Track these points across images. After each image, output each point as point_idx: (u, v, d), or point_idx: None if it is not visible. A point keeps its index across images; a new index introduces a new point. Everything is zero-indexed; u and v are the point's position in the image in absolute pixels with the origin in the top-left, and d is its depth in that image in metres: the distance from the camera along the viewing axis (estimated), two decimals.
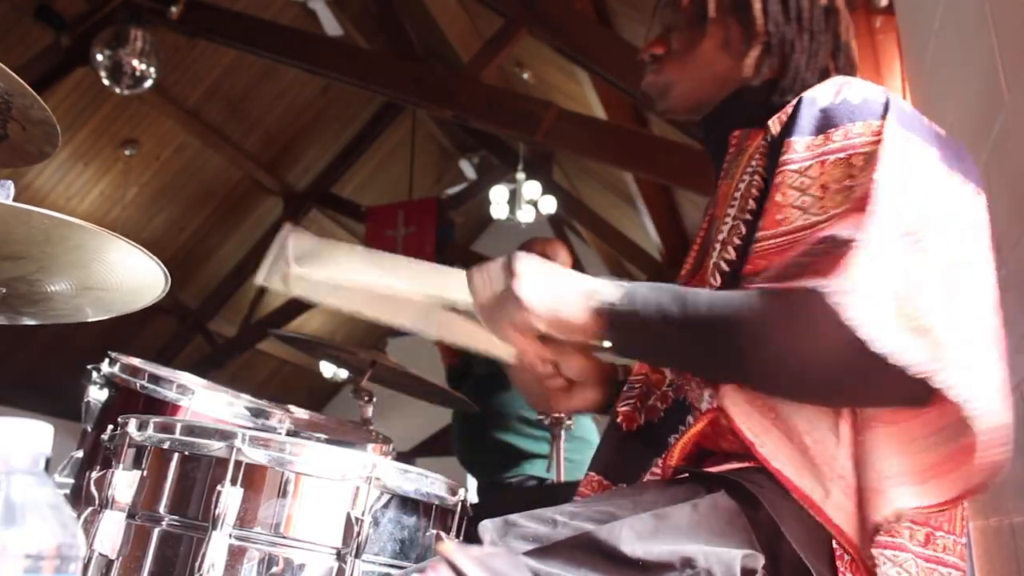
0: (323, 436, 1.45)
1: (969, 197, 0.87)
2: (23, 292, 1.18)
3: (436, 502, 1.03)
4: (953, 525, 0.88)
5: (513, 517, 0.84)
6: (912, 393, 0.76)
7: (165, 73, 5.63)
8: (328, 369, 9.15)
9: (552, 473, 2.47)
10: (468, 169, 8.27)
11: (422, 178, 8.21)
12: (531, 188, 6.96)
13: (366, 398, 2.14)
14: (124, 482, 0.97)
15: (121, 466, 0.99)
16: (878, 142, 0.84)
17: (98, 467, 1.08)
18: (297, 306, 8.38)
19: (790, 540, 0.81)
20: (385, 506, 0.97)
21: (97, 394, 1.36)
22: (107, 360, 1.39)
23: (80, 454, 1.34)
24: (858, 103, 0.88)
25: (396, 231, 7.32)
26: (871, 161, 0.83)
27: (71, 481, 1.32)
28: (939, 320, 0.76)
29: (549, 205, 7.05)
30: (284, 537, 0.93)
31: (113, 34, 5.16)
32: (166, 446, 0.98)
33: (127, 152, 6.67)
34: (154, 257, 1.11)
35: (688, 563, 0.78)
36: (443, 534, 1.02)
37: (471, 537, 0.86)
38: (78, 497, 1.14)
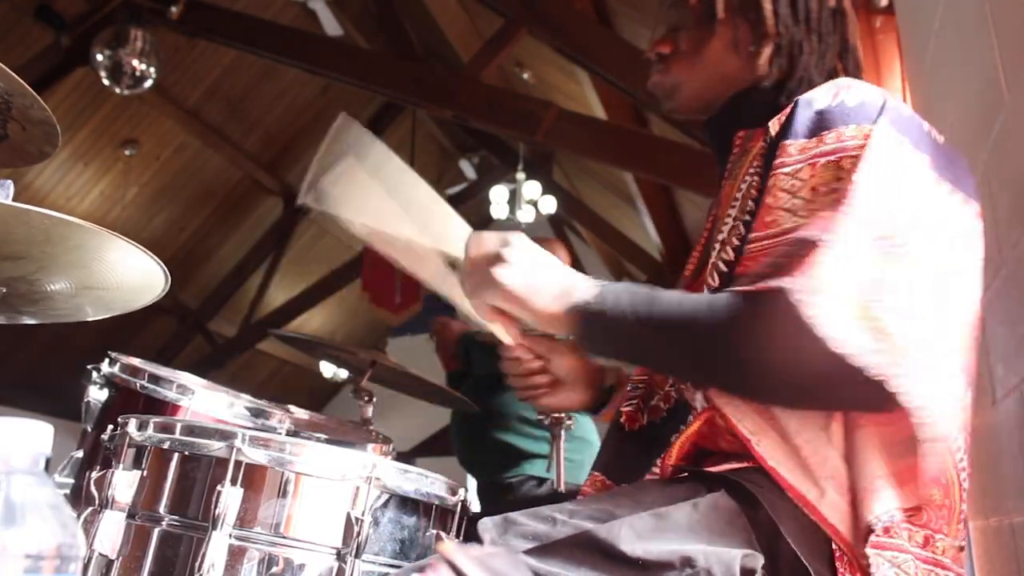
0: (323, 436, 1.45)
1: (957, 206, 0.86)
2: (23, 292, 1.18)
3: (436, 502, 1.03)
4: (951, 528, 0.88)
5: (513, 515, 0.84)
6: (874, 396, 0.75)
7: (165, 73, 5.63)
8: (328, 369, 9.16)
9: (552, 473, 2.46)
10: (468, 169, 8.28)
11: (422, 178, 8.21)
12: (531, 188, 6.96)
13: (366, 398, 2.14)
14: (124, 482, 0.97)
15: (121, 466, 0.99)
16: (867, 145, 0.84)
17: (98, 467, 1.08)
18: (297, 306, 8.39)
19: (789, 540, 0.81)
20: (385, 506, 0.97)
21: (97, 394, 1.36)
22: (107, 360, 1.39)
23: (80, 454, 1.34)
24: (854, 106, 0.87)
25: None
26: (857, 164, 0.84)
27: (71, 481, 1.32)
28: (903, 325, 0.76)
29: (549, 205, 7.04)
30: (284, 537, 0.93)
31: (113, 34, 5.16)
32: (166, 446, 0.98)
33: (127, 152, 6.67)
34: (154, 257, 1.11)
35: (688, 562, 0.78)
36: (443, 534, 1.02)
37: (471, 537, 0.86)
38: (78, 497, 1.14)
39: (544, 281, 0.93)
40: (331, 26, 5.75)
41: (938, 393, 0.76)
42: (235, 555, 0.91)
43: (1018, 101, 1.13)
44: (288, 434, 1.38)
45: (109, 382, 1.37)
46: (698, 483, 0.87)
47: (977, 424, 0.96)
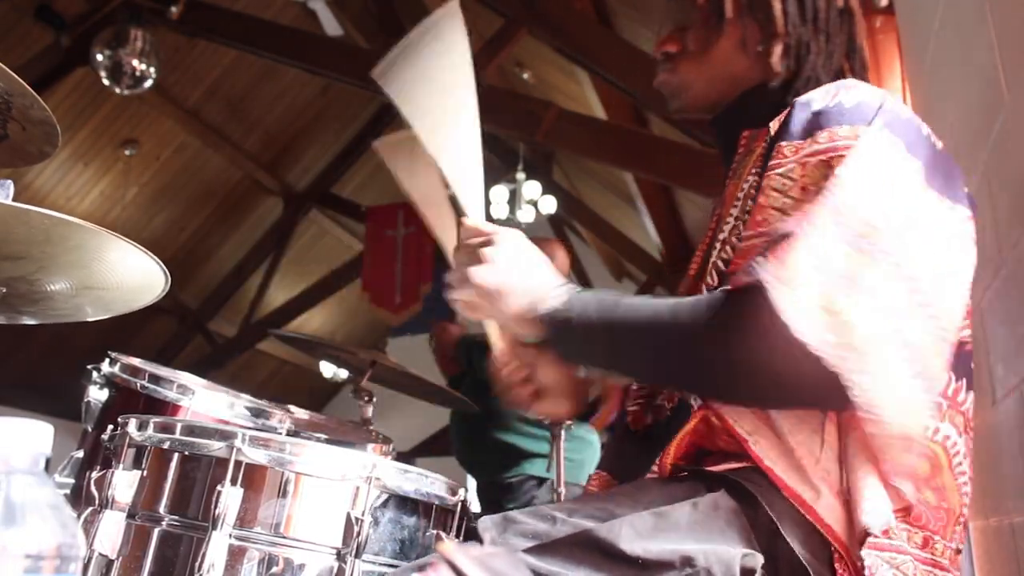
0: (323, 436, 1.45)
1: (944, 212, 0.85)
2: (23, 292, 1.18)
3: (436, 502, 1.03)
4: (948, 531, 0.88)
5: (512, 514, 0.84)
6: (836, 391, 0.75)
7: (165, 73, 5.63)
8: (328, 369, 9.16)
9: (552, 473, 2.47)
10: None
11: None
12: (531, 188, 6.96)
13: (366, 398, 2.14)
14: (124, 482, 0.97)
15: (121, 466, 0.99)
16: (857, 144, 0.84)
17: (98, 467, 1.08)
18: (297, 306, 8.40)
19: (788, 540, 0.81)
20: (385, 506, 0.97)
21: (97, 394, 1.36)
22: (107, 360, 1.39)
23: (80, 454, 1.34)
24: (850, 107, 0.87)
25: (396, 231, 7.32)
26: (844, 161, 0.84)
27: (71, 481, 1.32)
28: (868, 321, 0.75)
29: (549, 205, 7.04)
30: (284, 537, 0.93)
31: (113, 34, 5.17)
32: (166, 446, 0.98)
33: (127, 152, 6.68)
34: (154, 257, 1.11)
35: (688, 562, 0.78)
36: (443, 534, 1.02)
37: (471, 536, 0.86)
38: (78, 497, 1.14)
39: (517, 284, 0.93)
40: (331, 26, 5.75)
41: (899, 392, 0.75)
42: (235, 555, 0.91)
43: (1018, 101, 1.13)
44: (288, 434, 1.38)
45: (109, 382, 1.37)
46: (698, 482, 0.87)
47: (977, 424, 0.96)
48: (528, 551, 0.79)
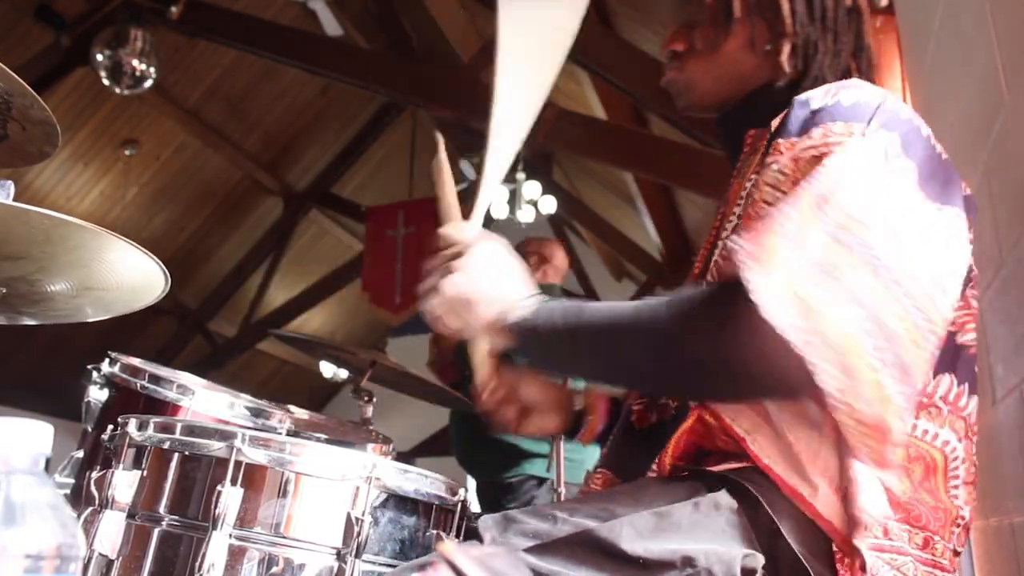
0: (323, 436, 1.45)
1: (931, 213, 0.84)
2: (23, 292, 1.18)
3: (436, 502, 1.03)
4: (946, 531, 0.88)
5: (513, 513, 0.84)
6: (803, 376, 0.74)
7: (165, 73, 5.63)
8: (328, 369, 9.16)
9: (552, 473, 2.47)
10: (468, 169, 8.27)
11: (422, 178, 8.21)
12: (531, 188, 6.96)
13: (366, 398, 2.14)
14: (124, 482, 0.97)
15: (121, 466, 0.99)
16: (849, 140, 0.84)
17: (98, 467, 1.07)
18: (297, 306, 8.40)
19: (789, 540, 0.81)
20: (385, 506, 0.97)
21: (97, 394, 1.36)
22: (107, 360, 1.39)
23: (80, 454, 1.34)
24: (848, 105, 0.87)
25: (396, 231, 7.32)
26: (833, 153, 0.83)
27: (71, 481, 1.32)
28: (836, 309, 0.75)
29: (549, 205, 7.04)
30: (284, 537, 0.93)
31: (113, 34, 5.17)
32: (166, 446, 0.98)
33: (127, 152, 6.68)
34: (154, 257, 1.11)
35: (688, 562, 0.78)
36: (443, 534, 1.02)
37: (471, 536, 0.86)
38: (78, 497, 1.14)
39: (487, 293, 0.94)
40: (331, 26, 5.75)
41: (869, 379, 0.74)
42: (235, 555, 0.91)
43: (1018, 101, 1.13)
44: (288, 434, 1.38)
45: (109, 382, 1.37)
46: (699, 482, 0.87)
47: (977, 424, 0.96)
48: (529, 550, 0.79)
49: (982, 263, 1.03)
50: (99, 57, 5.15)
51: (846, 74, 1.04)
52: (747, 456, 0.85)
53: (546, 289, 3.56)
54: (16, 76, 1.09)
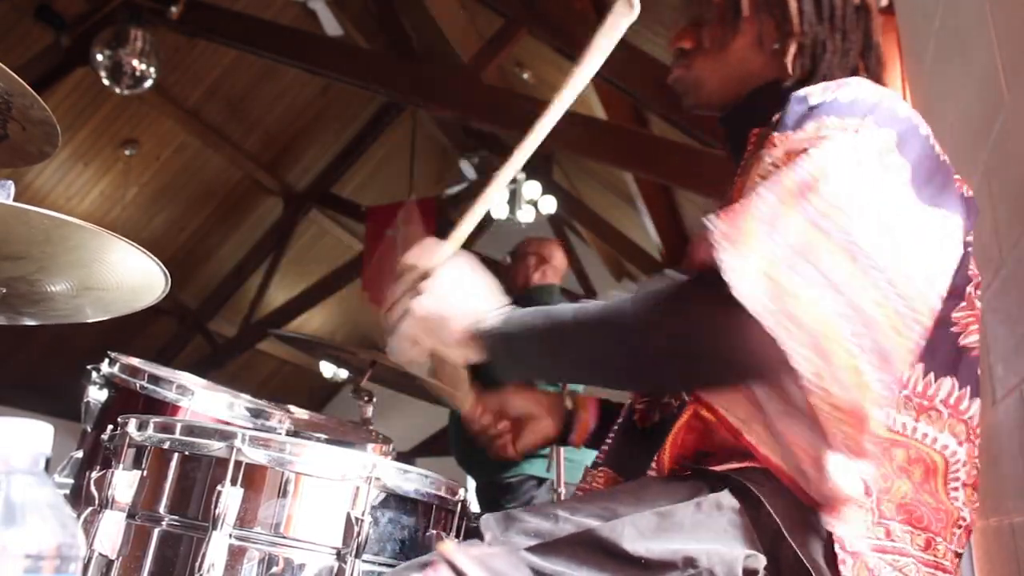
0: (323, 436, 1.45)
1: (918, 211, 0.84)
2: (23, 292, 1.18)
3: (436, 502, 1.03)
4: (947, 532, 0.88)
5: (515, 511, 0.84)
6: (780, 360, 0.74)
7: (165, 73, 5.63)
8: (328, 369, 9.16)
9: (552, 473, 2.47)
10: (468, 169, 8.27)
11: (422, 178, 8.22)
12: (531, 188, 6.97)
13: (366, 398, 2.14)
14: (124, 482, 0.97)
15: (121, 466, 0.99)
16: (840, 133, 0.84)
17: (98, 467, 1.07)
18: (297, 306, 8.40)
19: (791, 542, 0.81)
20: (385, 506, 0.97)
21: (97, 394, 1.36)
22: (107, 360, 1.39)
23: (80, 454, 1.34)
24: (845, 102, 0.87)
25: (396, 231, 7.31)
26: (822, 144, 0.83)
27: (71, 481, 1.32)
28: (810, 293, 0.74)
29: (549, 205, 7.05)
30: (284, 537, 0.93)
31: (113, 34, 5.17)
32: (166, 446, 0.98)
33: (127, 152, 6.68)
34: (154, 257, 1.11)
35: (690, 563, 0.78)
36: (443, 534, 1.02)
37: (472, 535, 0.86)
38: (78, 497, 1.14)
39: (457, 309, 0.95)
40: (331, 26, 5.75)
41: (844, 363, 0.74)
42: (235, 555, 0.91)
43: (1018, 101, 1.13)
44: (288, 434, 1.38)
45: (109, 382, 1.37)
46: (701, 482, 0.87)
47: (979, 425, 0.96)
48: (530, 549, 0.79)
49: (982, 263, 1.03)
50: (99, 57, 5.15)
51: (854, 73, 1.03)
52: (747, 453, 0.85)
53: (545, 289, 3.55)
54: (16, 76, 1.09)
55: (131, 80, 5.14)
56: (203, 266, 8.04)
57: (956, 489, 0.90)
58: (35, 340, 7.03)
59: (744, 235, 0.76)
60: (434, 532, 1.01)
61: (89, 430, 1.35)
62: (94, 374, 1.37)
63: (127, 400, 1.35)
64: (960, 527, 0.90)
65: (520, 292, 3.19)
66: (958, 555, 0.90)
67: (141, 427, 1.01)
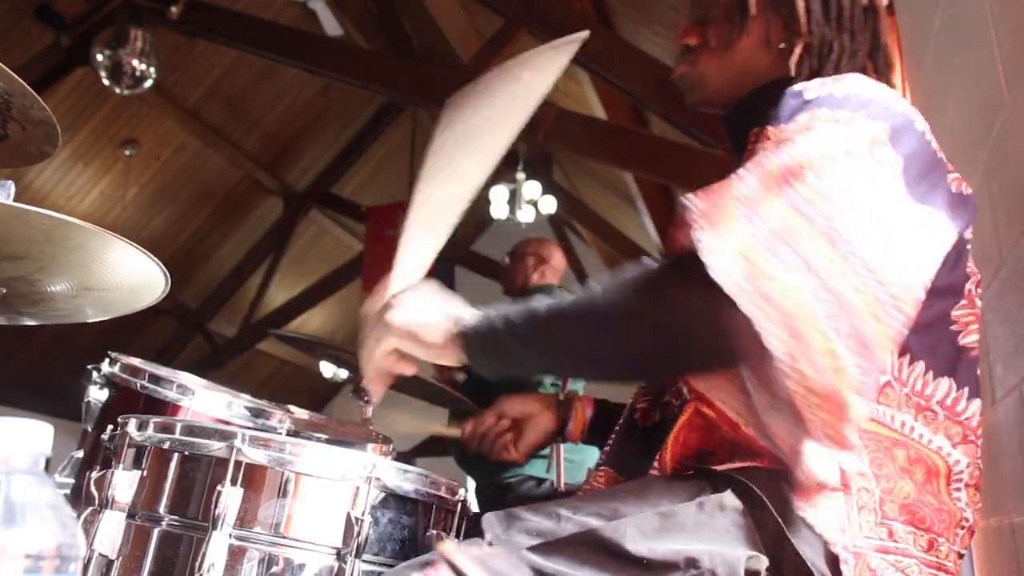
0: (323, 436, 1.45)
1: (908, 204, 0.84)
2: (23, 292, 1.18)
3: (436, 502, 1.03)
4: (951, 533, 0.88)
5: (517, 510, 0.84)
6: (756, 341, 0.74)
7: (165, 73, 5.63)
8: (328, 369, 9.16)
9: (552, 473, 2.46)
10: None
11: None
12: (531, 188, 6.96)
13: (366, 398, 2.14)
14: (124, 482, 0.97)
15: (121, 466, 0.99)
16: (830, 123, 0.83)
17: (98, 467, 1.07)
18: (297, 306, 8.40)
19: (794, 543, 0.81)
20: (385, 506, 0.97)
21: (97, 394, 1.36)
22: (107, 360, 1.39)
23: (80, 454, 1.34)
24: (840, 96, 0.86)
25: (396, 231, 7.31)
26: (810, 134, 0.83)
27: (71, 481, 1.32)
28: (786, 275, 0.74)
29: (549, 205, 7.04)
30: (284, 537, 0.93)
31: (113, 34, 5.17)
32: (166, 446, 0.98)
33: (127, 152, 6.68)
34: (154, 258, 1.11)
35: (692, 563, 0.78)
36: (443, 534, 1.02)
37: (473, 534, 0.86)
38: (78, 497, 1.14)
39: (432, 315, 0.94)
40: (331, 26, 5.75)
41: (820, 347, 0.73)
42: (235, 555, 0.91)
43: (1018, 101, 1.13)
44: (288, 434, 1.38)
45: (109, 382, 1.37)
46: (704, 481, 0.87)
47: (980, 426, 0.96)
48: (532, 549, 0.79)
49: (982, 263, 1.03)
50: (99, 57, 5.15)
51: (863, 73, 1.03)
52: (750, 451, 0.85)
53: (544, 289, 3.55)
54: (16, 76, 1.09)
55: (131, 80, 5.14)
56: (203, 266, 8.04)
57: (959, 490, 0.90)
58: (35, 340, 7.03)
59: (723, 215, 0.76)
60: (434, 532, 1.01)
61: (89, 430, 1.35)
62: (94, 374, 1.37)
63: (127, 400, 1.35)
64: (963, 528, 0.90)
65: (519, 292, 3.19)
66: (960, 555, 0.90)
67: (141, 427, 1.01)
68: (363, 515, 0.94)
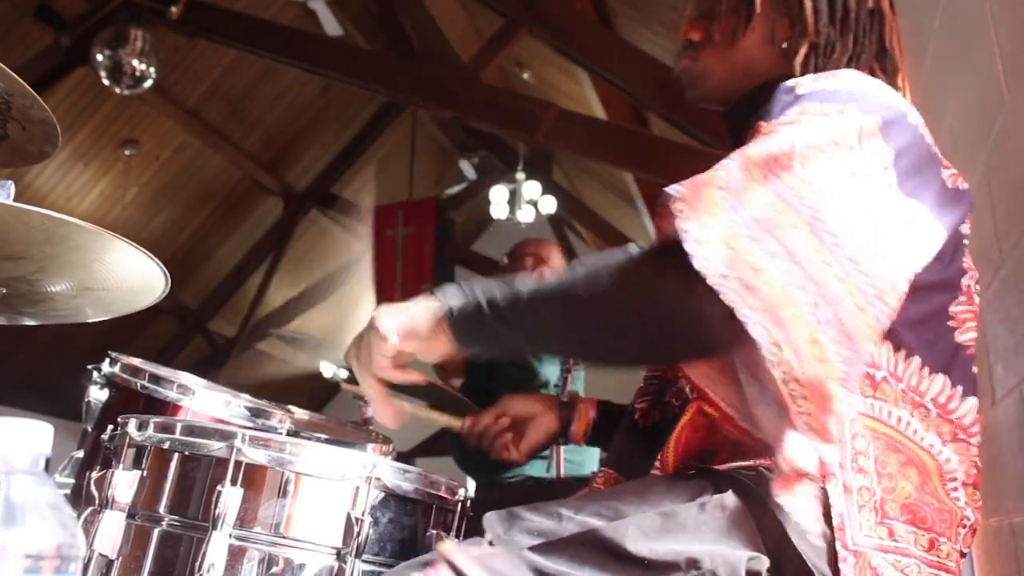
0: (323, 436, 1.45)
1: (897, 198, 0.83)
2: (23, 292, 1.18)
3: (436, 502, 1.03)
4: (952, 532, 0.88)
5: (518, 510, 0.84)
6: (739, 330, 0.73)
7: (165, 73, 5.63)
8: (328, 369, 9.17)
9: (552, 474, 2.46)
10: (468, 169, 8.28)
11: (422, 178, 8.22)
12: (531, 188, 6.96)
13: (366, 398, 2.14)
14: (124, 482, 0.97)
15: (121, 466, 0.99)
16: (819, 115, 0.83)
17: (98, 467, 1.07)
18: (297, 306, 8.40)
19: (795, 543, 0.81)
20: (385, 506, 0.97)
21: (97, 394, 1.36)
22: (107, 360, 1.39)
23: (80, 454, 1.34)
24: (832, 90, 0.86)
25: (396, 231, 7.32)
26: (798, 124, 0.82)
27: (71, 481, 1.32)
28: (767, 263, 0.74)
29: (549, 205, 7.05)
30: (284, 537, 0.93)
31: (113, 34, 5.17)
32: (166, 446, 0.98)
33: (127, 152, 6.68)
34: (154, 258, 1.11)
35: (693, 564, 0.78)
36: (443, 534, 1.02)
37: (472, 533, 0.86)
38: (78, 497, 1.14)
39: (415, 308, 0.93)
40: (331, 26, 5.75)
41: (802, 335, 0.73)
42: (235, 555, 0.91)
43: (1018, 101, 1.13)
44: (288, 434, 1.38)
45: (109, 382, 1.37)
46: (705, 481, 0.87)
47: (978, 424, 0.96)
48: (532, 549, 0.79)
49: (982, 263, 1.03)
50: (99, 57, 5.15)
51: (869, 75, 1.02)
52: (753, 450, 0.85)
53: None
54: (16, 76, 1.09)
55: (131, 80, 5.14)
56: (203, 266, 8.04)
57: (955, 489, 0.90)
58: (35, 340, 7.02)
59: (706, 204, 0.76)
60: (434, 532, 1.01)
61: (89, 430, 1.35)
62: (94, 374, 1.37)
63: (127, 400, 1.35)
64: (964, 527, 0.89)
65: None
66: (963, 555, 0.90)
67: (141, 427, 1.01)
68: (363, 515, 0.94)
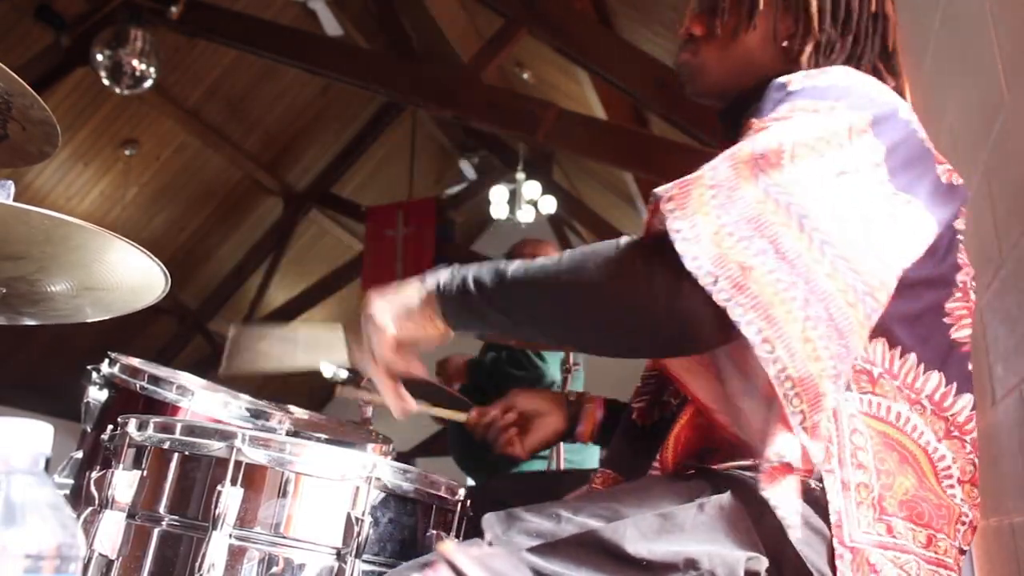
0: (323, 436, 1.45)
1: (886, 194, 0.83)
2: (23, 292, 1.18)
3: (436, 502, 1.03)
4: (951, 528, 0.88)
5: (517, 510, 0.84)
6: (728, 326, 0.74)
7: (165, 73, 5.63)
8: (328, 369, 9.15)
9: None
10: (468, 169, 8.27)
11: (422, 178, 8.21)
12: (531, 188, 6.96)
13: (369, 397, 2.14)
14: (124, 482, 0.97)
15: (121, 466, 0.99)
16: (810, 111, 0.83)
17: (98, 467, 1.07)
18: (297, 306, 8.39)
19: (794, 543, 0.81)
20: (385, 506, 0.97)
21: (97, 394, 1.36)
22: (107, 360, 1.39)
23: (80, 454, 1.34)
24: (823, 87, 0.86)
25: (396, 231, 7.32)
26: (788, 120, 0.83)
27: (71, 481, 1.32)
28: (756, 261, 0.74)
29: (549, 205, 7.05)
30: (284, 537, 0.93)
31: (113, 34, 5.17)
32: (166, 446, 0.98)
33: (127, 152, 6.67)
34: (154, 258, 1.11)
35: (692, 564, 0.78)
36: (443, 534, 1.02)
37: (473, 534, 0.86)
38: (78, 497, 1.14)
39: (408, 292, 0.94)
40: (331, 26, 5.75)
41: (793, 332, 0.73)
42: (235, 555, 0.91)
43: (1018, 101, 1.13)
44: (288, 434, 1.38)
45: (109, 382, 1.37)
46: (704, 481, 0.87)
47: (977, 424, 0.96)
48: (531, 550, 0.79)
49: (982, 263, 1.03)
50: (99, 57, 5.15)
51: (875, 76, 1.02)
52: (752, 449, 0.85)
53: None
54: (16, 76, 1.09)
55: (131, 80, 5.14)
56: (203, 266, 8.04)
57: (952, 486, 0.90)
58: (35, 340, 7.02)
59: (695, 203, 0.76)
60: (434, 532, 1.01)
61: (89, 430, 1.35)
62: (94, 374, 1.37)
63: (127, 400, 1.35)
64: (963, 524, 0.90)
65: None
66: (962, 552, 0.90)
67: (141, 427, 1.01)
68: (363, 515, 0.94)
